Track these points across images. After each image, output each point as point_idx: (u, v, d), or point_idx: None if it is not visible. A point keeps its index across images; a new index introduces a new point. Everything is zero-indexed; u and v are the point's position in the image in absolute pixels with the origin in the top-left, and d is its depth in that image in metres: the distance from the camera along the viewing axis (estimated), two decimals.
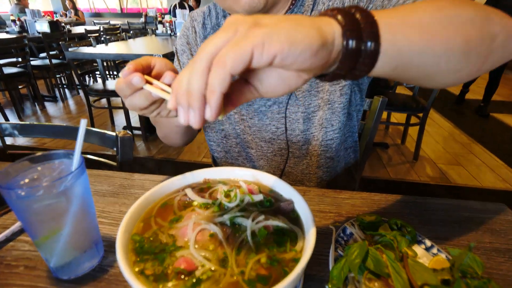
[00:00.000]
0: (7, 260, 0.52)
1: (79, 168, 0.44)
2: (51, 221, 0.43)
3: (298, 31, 0.30)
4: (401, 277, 0.39)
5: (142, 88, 0.45)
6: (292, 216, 0.47)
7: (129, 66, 0.44)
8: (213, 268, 0.37)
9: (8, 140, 3.03)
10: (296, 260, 0.39)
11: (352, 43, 0.33)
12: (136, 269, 0.37)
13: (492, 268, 0.52)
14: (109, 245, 0.55)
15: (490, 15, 0.42)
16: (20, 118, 3.87)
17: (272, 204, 0.49)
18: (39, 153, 0.46)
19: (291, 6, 0.74)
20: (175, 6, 5.43)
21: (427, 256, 0.50)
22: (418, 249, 0.52)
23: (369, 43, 0.34)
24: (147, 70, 0.48)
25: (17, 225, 0.58)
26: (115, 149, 0.92)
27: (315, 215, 0.64)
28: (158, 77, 0.49)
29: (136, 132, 3.33)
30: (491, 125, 3.85)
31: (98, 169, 0.81)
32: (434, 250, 0.51)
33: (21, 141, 3.18)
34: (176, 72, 0.50)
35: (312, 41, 0.30)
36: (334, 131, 0.80)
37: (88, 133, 0.95)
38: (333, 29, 0.33)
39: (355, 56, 0.34)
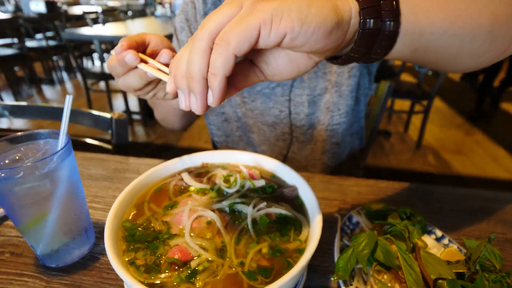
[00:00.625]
0: None
1: (64, 148, 0.40)
2: (35, 206, 0.40)
3: (311, 7, 0.26)
4: (413, 270, 0.36)
5: (136, 67, 0.42)
6: (296, 204, 0.44)
7: (122, 42, 0.40)
8: (210, 259, 0.34)
9: (4, 124, 2.98)
10: (300, 251, 0.36)
11: (370, 23, 0.30)
12: (126, 259, 0.34)
13: (506, 259, 0.49)
14: (101, 232, 0.52)
15: None
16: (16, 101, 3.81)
17: (274, 191, 0.46)
18: (21, 133, 0.42)
19: None
20: None
21: (437, 247, 0.48)
22: (428, 240, 0.49)
23: (388, 23, 0.30)
24: (141, 48, 0.44)
25: (3, 210, 0.55)
26: (110, 131, 0.88)
27: (320, 203, 0.60)
28: (153, 55, 0.45)
29: (135, 117, 3.28)
30: (496, 114, 3.79)
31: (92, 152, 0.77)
32: (445, 241, 0.49)
33: (18, 124, 3.14)
34: (173, 50, 0.46)
35: (326, 20, 0.27)
36: (340, 115, 0.76)
37: (82, 115, 0.91)
38: (349, 6, 0.29)
39: (372, 37, 0.31)
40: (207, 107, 0.30)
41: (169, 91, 0.32)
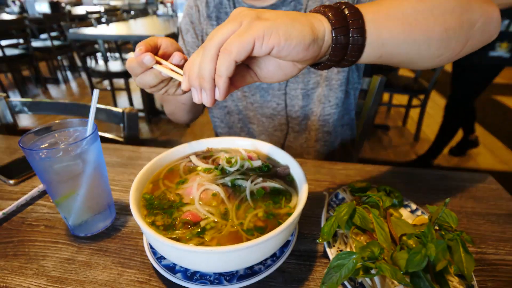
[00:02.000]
0: (28, 220, 0.57)
1: (92, 134, 0.48)
2: (69, 182, 0.48)
3: (294, 27, 0.34)
4: (384, 230, 0.44)
5: (152, 68, 0.48)
6: (288, 180, 0.51)
7: (140, 47, 0.47)
8: (216, 220, 0.42)
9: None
10: (289, 214, 0.43)
11: (340, 39, 0.37)
12: (148, 221, 0.42)
13: (472, 228, 0.57)
14: (120, 209, 0.60)
15: (471, 2, 0.44)
16: None
17: (269, 169, 0.53)
18: (57, 121, 0.50)
19: None
20: None
21: (411, 217, 0.55)
22: (404, 212, 0.56)
23: (355, 38, 0.38)
24: (155, 50, 0.51)
25: (35, 190, 0.63)
26: (121, 125, 0.96)
27: (311, 184, 0.68)
28: (165, 56, 0.52)
29: (139, 114, 3.36)
30: (493, 107, 3.84)
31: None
32: (419, 213, 0.56)
33: (25, 122, 3.23)
34: (181, 51, 0.53)
35: (305, 37, 0.34)
36: (331, 107, 0.84)
37: (96, 110, 0.99)
38: (323, 26, 0.37)
39: (343, 49, 0.38)
40: (215, 100, 0.38)
41: (184, 88, 0.40)
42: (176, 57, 0.48)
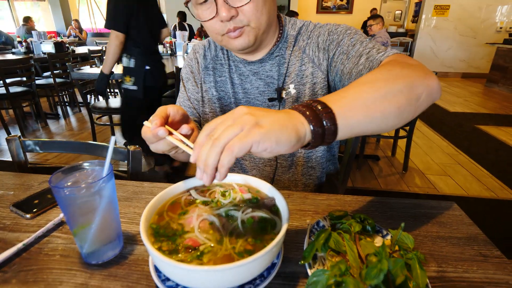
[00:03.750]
0: (45, 251, 0.65)
1: (108, 174, 0.57)
2: (88, 214, 0.56)
3: (283, 134, 0.45)
4: (353, 251, 0.52)
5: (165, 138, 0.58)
6: (273, 210, 0.60)
7: (156, 121, 0.57)
8: (212, 245, 0.51)
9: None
10: (274, 239, 0.52)
11: (318, 131, 0.49)
12: (155, 247, 0.50)
13: (435, 250, 0.65)
14: (127, 238, 0.68)
15: (414, 81, 0.57)
16: (23, 136, 3.99)
17: (258, 201, 0.62)
18: (80, 162, 0.60)
19: (276, 42, 0.89)
20: (174, 27, 5.68)
21: (382, 241, 0.63)
22: (377, 237, 0.65)
23: (330, 128, 0.49)
24: (166, 119, 0.60)
25: (50, 224, 0.71)
26: (126, 161, 1.05)
27: (296, 213, 0.77)
28: (173, 122, 0.62)
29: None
30: (477, 136, 4.02)
31: None
32: (388, 237, 0.65)
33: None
34: (185, 115, 0.64)
35: (291, 141, 0.46)
36: None
37: (102, 148, 1.09)
38: (305, 129, 0.48)
39: (321, 137, 0.50)
40: (212, 181, 0.47)
41: (192, 161, 0.49)
42: (185, 129, 0.58)
